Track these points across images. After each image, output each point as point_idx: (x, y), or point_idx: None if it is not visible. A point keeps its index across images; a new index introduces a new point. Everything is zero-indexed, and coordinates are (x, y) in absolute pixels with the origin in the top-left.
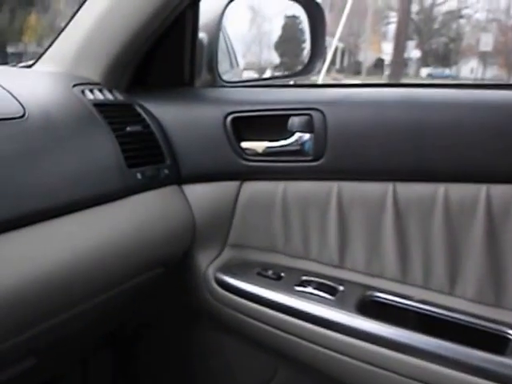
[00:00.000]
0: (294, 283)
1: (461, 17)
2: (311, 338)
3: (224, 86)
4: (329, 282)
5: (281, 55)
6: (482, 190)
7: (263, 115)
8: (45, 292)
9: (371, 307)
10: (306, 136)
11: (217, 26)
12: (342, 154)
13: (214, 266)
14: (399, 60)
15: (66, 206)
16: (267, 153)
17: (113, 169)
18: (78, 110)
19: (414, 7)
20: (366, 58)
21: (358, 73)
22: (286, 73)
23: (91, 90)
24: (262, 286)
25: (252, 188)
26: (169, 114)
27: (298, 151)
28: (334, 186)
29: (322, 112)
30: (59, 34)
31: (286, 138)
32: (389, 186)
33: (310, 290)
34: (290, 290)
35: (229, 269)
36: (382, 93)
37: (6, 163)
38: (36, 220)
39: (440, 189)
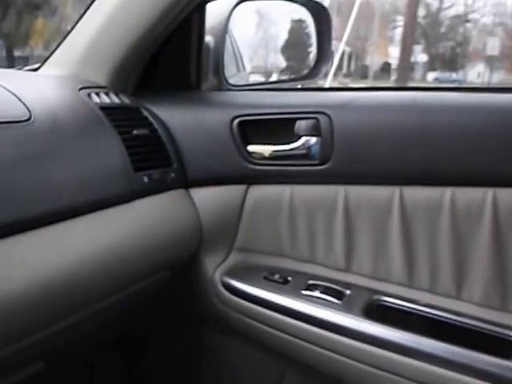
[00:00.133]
0: (301, 287)
1: (467, 21)
2: (318, 342)
3: (230, 90)
4: (335, 286)
5: (287, 59)
6: (488, 194)
7: (270, 119)
8: (50, 296)
9: (378, 311)
10: (313, 140)
11: (223, 30)
12: (348, 158)
13: (221, 270)
14: (406, 64)
15: (71, 210)
16: (274, 156)
17: (119, 172)
18: (84, 114)
19: (421, 11)
20: (373, 62)
21: (364, 77)
22: (293, 76)
23: (97, 94)
24: (268, 290)
25: (258, 192)
26: (175, 118)
27: (305, 155)
28: (340, 190)
29: (328, 116)
30: (65, 38)
31: (292, 142)
32: (395, 190)
33: (316, 294)
34: (296, 294)
35: (235, 273)
36: (389, 96)
37: (12, 166)
38: (41, 223)
39: (447, 193)
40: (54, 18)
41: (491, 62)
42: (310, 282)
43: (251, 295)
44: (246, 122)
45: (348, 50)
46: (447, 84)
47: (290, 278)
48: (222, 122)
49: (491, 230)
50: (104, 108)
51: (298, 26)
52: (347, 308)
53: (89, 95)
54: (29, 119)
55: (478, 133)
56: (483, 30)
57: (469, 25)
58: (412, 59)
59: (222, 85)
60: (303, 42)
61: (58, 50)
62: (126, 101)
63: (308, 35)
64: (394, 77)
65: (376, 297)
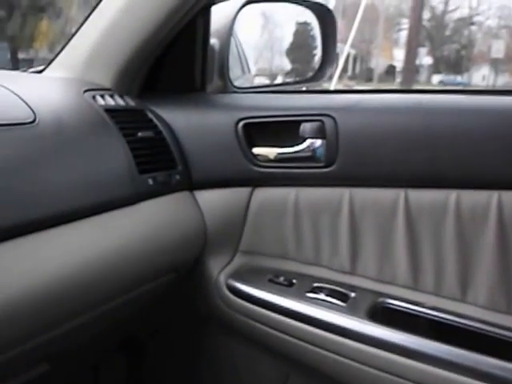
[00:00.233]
0: (306, 290)
1: (472, 24)
2: (323, 345)
3: (235, 92)
4: (340, 289)
5: (292, 61)
6: (493, 196)
7: (275, 121)
8: (55, 299)
9: (383, 314)
10: (318, 142)
11: (228, 32)
12: (353, 161)
13: (226, 273)
14: (411, 67)
15: (76, 212)
16: (279, 159)
17: (124, 174)
18: (88, 116)
19: (426, 14)
20: (378, 64)
21: (369, 80)
22: (298, 79)
23: (102, 96)
24: (273, 293)
25: (263, 194)
26: (180, 120)
27: (310, 157)
28: (345, 193)
29: (333, 118)
30: (70, 40)
31: (297, 144)
32: (400, 193)
33: (321, 296)
34: (301, 297)
35: (240, 275)
36: (394, 99)
37: (16, 168)
38: (46, 226)
39: (452, 195)
40: (59, 20)
41: (496, 64)
42: (315, 284)
43: (256, 298)
44: (251, 124)
45: (353, 52)
46: (452, 87)
47: (294, 281)
48: (227, 125)
49: (496, 232)
50: (109, 110)
51: (302, 29)
52: (352, 310)
53: (93, 97)
54: (33, 121)
55: (483, 135)
56: (488, 32)
57: (474, 27)
58: (417, 62)
59: (227, 87)
60: (308, 44)
61: (63, 52)
62: (131, 103)
63: (313, 38)
64: (398, 79)
65: (381, 299)
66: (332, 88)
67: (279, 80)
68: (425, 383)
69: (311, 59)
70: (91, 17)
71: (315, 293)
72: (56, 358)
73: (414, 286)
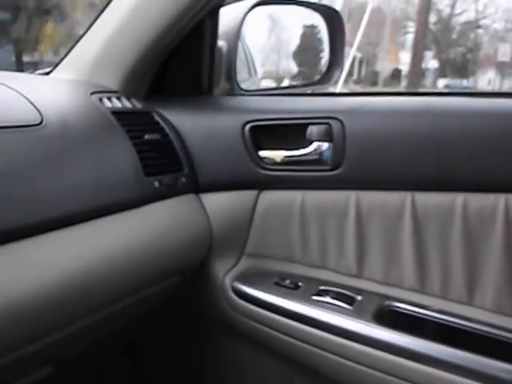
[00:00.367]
0: (312, 293)
1: (479, 27)
2: (328, 348)
3: (242, 95)
4: (346, 292)
5: (299, 64)
6: (500, 199)
7: (282, 124)
8: (59, 300)
9: (389, 317)
10: (325, 145)
11: (236, 35)
12: (360, 164)
13: (231, 276)
14: (416, 70)
15: (82, 214)
16: (285, 162)
17: (130, 177)
18: (95, 118)
19: (432, 17)
20: (383, 68)
21: (374, 83)
22: (304, 82)
23: (109, 98)
24: (279, 296)
25: (270, 197)
26: (187, 123)
27: (317, 160)
28: (352, 196)
29: (340, 121)
30: (77, 42)
31: (304, 147)
32: (407, 196)
33: (327, 299)
34: (307, 300)
35: (246, 278)
36: (401, 101)
37: (22, 170)
38: (51, 228)
39: (458, 198)
40: (64, 23)
41: (502, 68)
42: (321, 287)
43: (261, 300)
44: (257, 127)
45: (359, 55)
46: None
47: (300, 284)
48: (234, 127)
49: (503, 235)
50: (115, 112)
51: (309, 32)
52: (358, 314)
53: (100, 100)
54: (40, 123)
55: (489, 138)
56: (494, 35)
57: (480, 31)
58: (423, 65)
59: (234, 90)
60: (315, 47)
61: (70, 54)
62: (138, 105)
63: (320, 41)
64: (404, 83)
65: (387, 302)
66: (337, 91)
67: (286, 83)
68: None
69: (318, 62)
70: (99, 19)
71: (321, 296)
72: (60, 360)
73: (420, 289)
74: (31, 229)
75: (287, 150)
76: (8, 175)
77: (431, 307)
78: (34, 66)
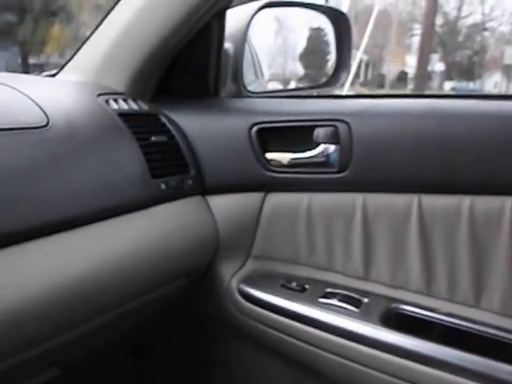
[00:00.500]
0: (318, 295)
1: (485, 29)
2: (335, 350)
3: (249, 97)
4: (353, 294)
5: (305, 67)
6: (507, 202)
7: (288, 126)
8: (64, 303)
9: (396, 319)
10: (332, 147)
11: (243, 37)
12: (367, 166)
13: (238, 278)
14: (423, 73)
15: (88, 216)
16: (292, 164)
17: (137, 179)
18: (102, 120)
19: (439, 20)
20: (390, 71)
21: (381, 86)
22: (311, 84)
23: (116, 100)
24: (286, 298)
25: (276, 199)
26: (194, 124)
27: (323, 163)
28: (358, 198)
29: (347, 123)
30: (83, 44)
31: (311, 150)
32: (414, 198)
33: (334, 302)
34: (314, 302)
35: (252, 280)
36: (408, 104)
37: (28, 172)
38: (57, 230)
39: (465, 201)
40: (71, 24)
41: (508, 71)
42: (328, 289)
43: (268, 303)
44: (264, 129)
45: (365, 58)
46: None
47: (307, 286)
48: (241, 129)
49: (510, 238)
50: (122, 114)
51: (316, 34)
52: (365, 316)
53: (107, 101)
54: (46, 125)
55: (496, 140)
56: (501, 38)
57: (486, 33)
58: (429, 68)
59: (241, 92)
60: (322, 50)
61: (77, 55)
62: (144, 107)
63: (326, 43)
64: (410, 86)
65: (394, 305)
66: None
67: (292, 85)
68: None
69: (324, 65)
70: (105, 21)
71: (328, 298)
72: (66, 363)
73: (427, 291)
74: (36, 231)
75: (294, 152)
76: (13, 177)
77: (438, 310)
78: (40, 68)
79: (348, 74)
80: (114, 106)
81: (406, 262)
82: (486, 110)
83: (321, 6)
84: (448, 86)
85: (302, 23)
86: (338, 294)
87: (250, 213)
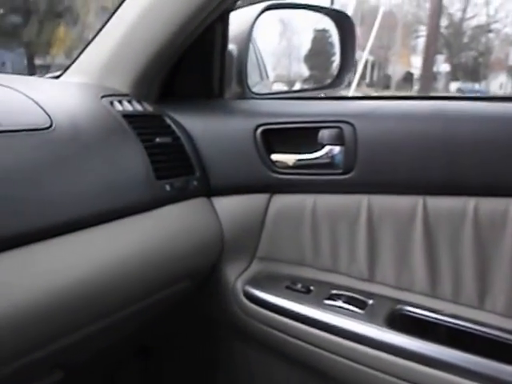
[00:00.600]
0: (324, 297)
1: (490, 31)
2: (340, 352)
3: (254, 98)
4: (358, 296)
5: (310, 68)
6: (511, 204)
7: (293, 127)
8: (68, 305)
9: (401, 321)
10: (337, 149)
11: (246, 39)
12: (372, 167)
13: (243, 279)
14: (428, 74)
15: (92, 218)
16: (297, 165)
17: (141, 180)
18: (106, 121)
19: (444, 22)
20: (396, 71)
21: (387, 87)
22: (316, 85)
23: (120, 101)
24: (290, 300)
25: (282, 201)
26: (199, 126)
27: (328, 164)
28: (363, 200)
29: (352, 125)
30: (87, 45)
31: (316, 151)
32: (419, 200)
33: (339, 303)
34: (319, 304)
35: (257, 282)
36: (412, 105)
37: (32, 174)
38: (61, 232)
39: (470, 203)
40: (76, 26)
41: None
42: (333, 291)
43: (273, 305)
44: (269, 130)
45: (371, 59)
46: (470, 94)
47: (312, 288)
48: (246, 131)
49: None
50: (126, 116)
51: (321, 36)
52: (370, 318)
53: (111, 103)
54: (50, 127)
55: (501, 142)
56: (505, 40)
57: (491, 35)
58: (435, 69)
59: (245, 93)
60: (326, 51)
61: (81, 57)
62: (149, 108)
63: (331, 45)
64: (416, 87)
65: (399, 306)
66: (350, 95)
67: (297, 86)
68: None
69: (329, 66)
70: (109, 23)
71: (333, 300)
72: (70, 365)
73: (432, 293)
74: (40, 233)
75: (299, 153)
76: (17, 179)
77: (442, 311)
78: (46, 69)
79: (353, 75)
80: (119, 107)
81: (410, 263)
82: (492, 111)
83: (325, 8)
84: (454, 87)
85: (307, 25)
86: (342, 295)
87: (255, 214)
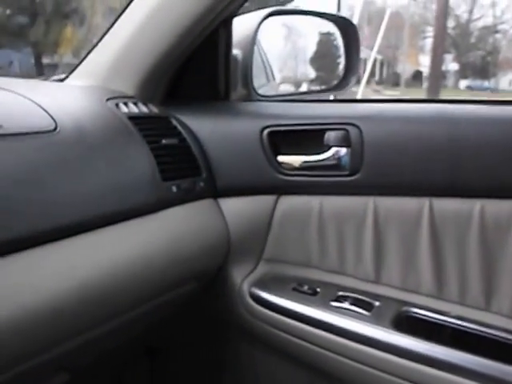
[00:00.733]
0: (330, 299)
1: (497, 32)
2: (347, 354)
3: (260, 101)
4: (365, 298)
5: (317, 69)
6: None
7: (300, 130)
8: (74, 308)
9: (407, 323)
10: (343, 151)
11: (251, 43)
12: (378, 169)
13: (249, 281)
14: (437, 73)
15: (98, 220)
16: (304, 167)
17: (147, 181)
18: (112, 123)
19: (451, 23)
20: (404, 69)
21: (396, 84)
22: (322, 86)
23: (125, 104)
24: (297, 302)
25: (288, 202)
26: (205, 128)
27: (335, 166)
28: (370, 201)
29: (358, 127)
30: (92, 49)
31: (322, 153)
32: (425, 202)
33: (345, 305)
34: (325, 306)
35: (264, 284)
36: (418, 108)
37: (36, 176)
38: (66, 234)
39: (476, 205)
40: (83, 27)
41: None
42: (339, 293)
43: (279, 306)
44: (275, 132)
45: (379, 57)
46: (479, 92)
47: (318, 290)
48: (252, 132)
49: None
50: (132, 117)
51: (326, 39)
52: (376, 319)
53: (116, 105)
54: (54, 129)
55: (506, 145)
56: None
57: (498, 35)
58: (443, 68)
59: (251, 95)
60: (332, 53)
61: (85, 61)
62: (155, 110)
63: (336, 47)
64: (426, 84)
65: (405, 308)
66: (360, 92)
67: (304, 87)
68: None
69: (335, 67)
70: (114, 26)
71: (339, 302)
72: (75, 367)
73: (438, 295)
74: (46, 235)
75: (305, 155)
76: (21, 181)
77: (449, 313)
78: (53, 68)
79: (357, 77)
80: (124, 109)
81: (416, 265)
82: (497, 115)
83: (328, 15)
84: (463, 84)
85: (311, 29)
86: (349, 297)
87: (261, 216)
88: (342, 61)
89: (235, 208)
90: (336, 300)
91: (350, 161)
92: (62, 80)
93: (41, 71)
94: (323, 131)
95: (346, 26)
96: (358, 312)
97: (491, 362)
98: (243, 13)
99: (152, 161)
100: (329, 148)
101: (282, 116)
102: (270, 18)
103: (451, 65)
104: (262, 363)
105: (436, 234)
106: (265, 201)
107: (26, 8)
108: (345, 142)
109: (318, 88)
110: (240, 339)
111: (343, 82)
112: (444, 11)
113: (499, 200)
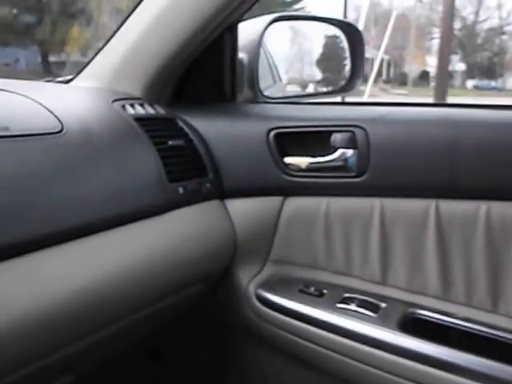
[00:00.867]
0: (336, 300)
1: (503, 33)
2: (353, 356)
3: (266, 102)
4: (371, 299)
5: (323, 71)
6: None
7: (306, 131)
8: (80, 310)
9: (413, 324)
10: (349, 152)
11: (257, 47)
12: (384, 171)
13: (255, 283)
14: (444, 72)
15: (105, 222)
16: (310, 168)
17: (154, 183)
18: (118, 125)
19: (457, 24)
20: (411, 69)
21: (403, 83)
22: (328, 88)
23: (132, 105)
24: (303, 303)
25: (295, 204)
26: (211, 129)
27: (341, 167)
28: (376, 203)
29: (364, 129)
30: (98, 52)
31: (329, 154)
32: (431, 203)
33: (352, 307)
34: (331, 307)
35: (270, 285)
36: (423, 112)
37: (42, 178)
38: (73, 236)
39: (482, 207)
40: (90, 26)
41: None
42: (346, 295)
43: (286, 308)
44: (282, 133)
45: (386, 58)
46: (486, 91)
47: (325, 291)
48: (259, 134)
49: None
50: (139, 119)
51: (332, 41)
52: (383, 321)
53: (123, 107)
54: (60, 131)
55: (511, 148)
56: None
57: (504, 37)
58: (450, 68)
59: (258, 97)
60: (338, 55)
61: (92, 63)
62: (161, 112)
63: (342, 49)
64: (433, 84)
65: (412, 310)
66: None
67: (310, 88)
68: None
69: (342, 69)
70: (121, 28)
71: (346, 303)
72: (81, 369)
73: (444, 296)
74: (50, 238)
75: (312, 156)
76: (26, 183)
77: (455, 315)
78: (61, 66)
79: (362, 80)
80: (131, 110)
81: (423, 266)
82: (501, 119)
83: (334, 20)
84: (470, 84)
85: (317, 32)
86: (355, 298)
87: (268, 217)
88: (347, 63)
89: (242, 209)
90: (342, 302)
91: (357, 162)
92: (68, 81)
93: (48, 69)
94: (329, 133)
95: (351, 32)
96: (364, 314)
97: (498, 364)
98: (249, 18)
99: (158, 162)
100: (335, 149)
101: (289, 118)
102: (276, 24)
103: (458, 65)
104: (269, 365)
105: (442, 236)
106: (271, 202)
107: (33, 7)
108: (351, 143)
109: (323, 89)
110: (246, 341)
111: (348, 85)
112: (450, 13)
113: (505, 202)
